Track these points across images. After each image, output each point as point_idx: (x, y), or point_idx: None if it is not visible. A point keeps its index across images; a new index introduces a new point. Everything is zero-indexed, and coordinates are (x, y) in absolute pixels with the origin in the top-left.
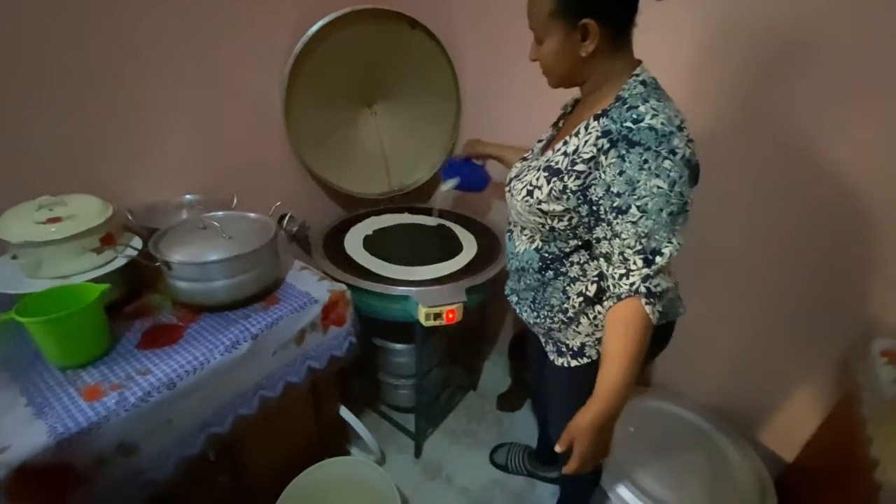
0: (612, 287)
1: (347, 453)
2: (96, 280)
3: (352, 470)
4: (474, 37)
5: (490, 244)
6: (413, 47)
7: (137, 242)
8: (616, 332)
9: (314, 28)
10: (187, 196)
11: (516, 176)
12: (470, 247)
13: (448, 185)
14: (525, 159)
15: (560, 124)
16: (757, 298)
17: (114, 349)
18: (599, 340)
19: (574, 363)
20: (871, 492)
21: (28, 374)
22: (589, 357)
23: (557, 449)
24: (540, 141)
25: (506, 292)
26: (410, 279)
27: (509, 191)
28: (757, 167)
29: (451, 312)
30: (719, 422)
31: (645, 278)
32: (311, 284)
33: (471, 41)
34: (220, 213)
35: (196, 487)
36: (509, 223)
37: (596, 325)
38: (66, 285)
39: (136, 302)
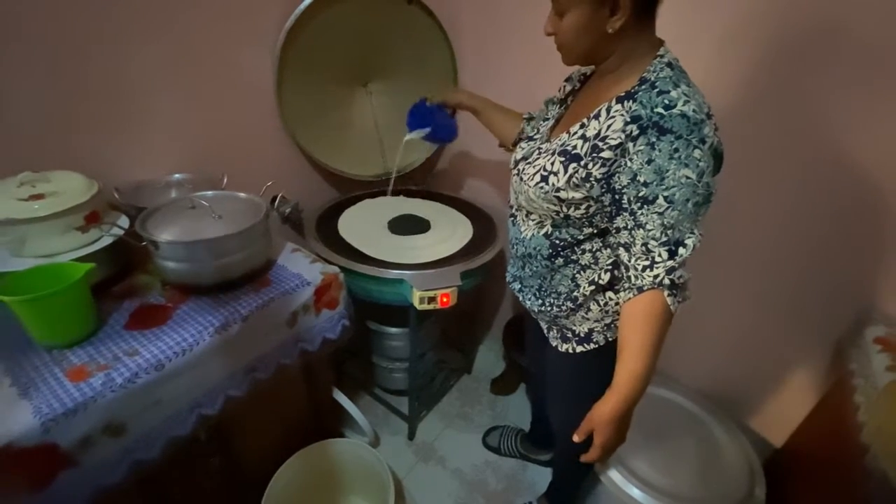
0: (632, 278)
1: (341, 436)
2: (82, 259)
3: (346, 452)
4: (473, 12)
5: (485, 227)
6: (410, 23)
7: (124, 221)
8: (636, 324)
9: (307, 1)
10: (176, 175)
11: (524, 158)
12: (465, 230)
13: (414, 135)
14: (531, 139)
15: (569, 101)
16: (751, 285)
17: (101, 330)
18: (609, 326)
19: (580, 349)
20: (861, 477)
21: (13, 354)
22: (596, 343)
23: (576, 439)
24: (546, 120)
25: (508, 279)
26: (405, 262)
27: (517, 174)
28: (756, 152)
29: (446, 296)
30: (710, 407)
31: (670, 270)
32: (304, 266)
33: (469, 17)
34: (209, 192)
35: (187, 468)
36: (511, 207)
37: (606, 311)
38: (51, 264)
39: (123, 282)
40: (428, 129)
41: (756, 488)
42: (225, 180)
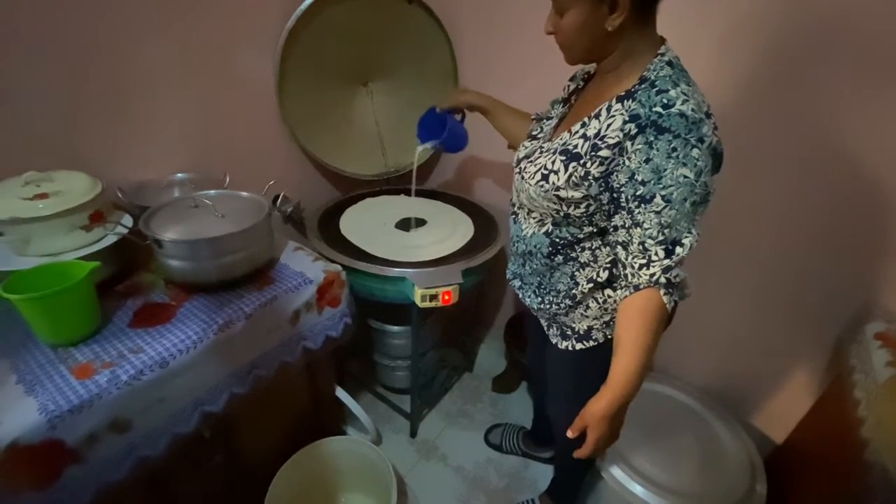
0: (629, 276)
1: (343, 433)
2: (86, 258)
3: (348, 449)
4: (473, 12)
5: (486, 225)
6: (410, 23)
7: (128, 220)
8: (632, 322)
9: (308, 1)
10: (179, 174)
11: (526, 157)
12: (466, 228)
13: (427, 146)
14: (534, 138)
15: (572, 100)
16: (751, 281)
17: (105, 328)
18: (607, 324)
19: (579, 346)
20: (861, 471)
21: (18, 352)
22: (595, 340)
23: (570, 434)
24: (549, 119)
25: (508, 276)
26: (406, 261)
27: (519, 173)
28: (756, 148)
29: (447, 294)
30: (711, 404)
31: (666, 269)
32: (306, 265)
33: (469, 17)
34: (212, 191)
35: (191, 465)
36: (513, 205)
37: (605, 309)
38: (56, 263)
39: (127, 281)
40: (439, 140)
41: (757, 485)
42: (227, 180)
